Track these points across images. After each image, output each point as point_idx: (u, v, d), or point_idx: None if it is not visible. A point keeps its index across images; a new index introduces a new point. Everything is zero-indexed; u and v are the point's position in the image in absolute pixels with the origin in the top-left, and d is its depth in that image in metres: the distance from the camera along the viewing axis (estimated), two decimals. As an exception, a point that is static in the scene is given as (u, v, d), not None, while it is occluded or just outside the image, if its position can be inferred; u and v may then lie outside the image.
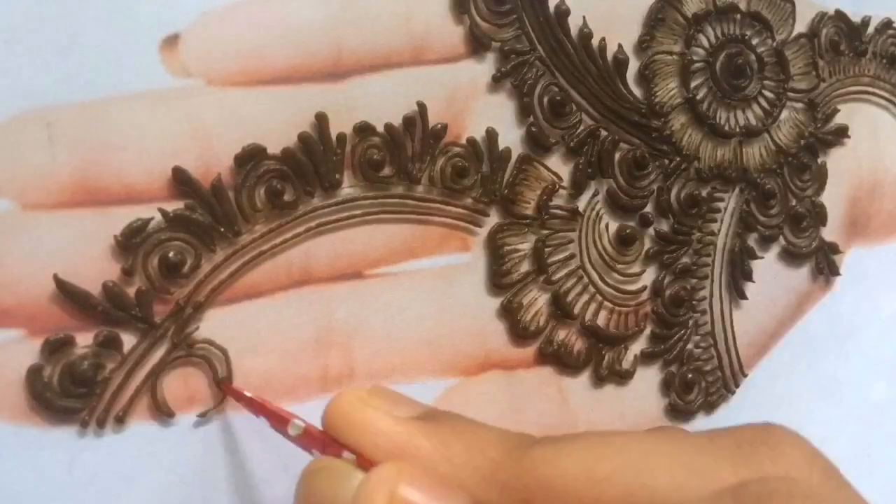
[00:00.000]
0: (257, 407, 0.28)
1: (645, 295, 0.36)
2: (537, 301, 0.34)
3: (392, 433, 0.23)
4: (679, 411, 0.37)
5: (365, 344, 0.31)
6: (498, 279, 0.33)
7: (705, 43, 0.37)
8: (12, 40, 0.26)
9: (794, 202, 0.39)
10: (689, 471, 0.19)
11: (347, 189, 0.30)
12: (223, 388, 0.28)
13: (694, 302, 0.37)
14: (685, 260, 0.37)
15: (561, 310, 0.34)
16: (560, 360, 0.34)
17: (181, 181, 0.28)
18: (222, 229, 0.28)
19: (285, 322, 0.29)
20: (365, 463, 0.23)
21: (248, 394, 0.28)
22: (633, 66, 0.35)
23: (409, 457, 0.22)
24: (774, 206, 0.39)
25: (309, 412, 0.27)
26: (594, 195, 0.35)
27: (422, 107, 0.31)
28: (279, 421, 0.27)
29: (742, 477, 0.19)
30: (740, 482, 0.19)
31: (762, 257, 0.39)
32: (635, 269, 0.36)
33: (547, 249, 0.34)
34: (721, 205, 0.37)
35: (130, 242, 0.27)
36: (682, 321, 0.37)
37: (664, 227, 0.36)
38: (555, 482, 0.20)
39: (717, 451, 0.20)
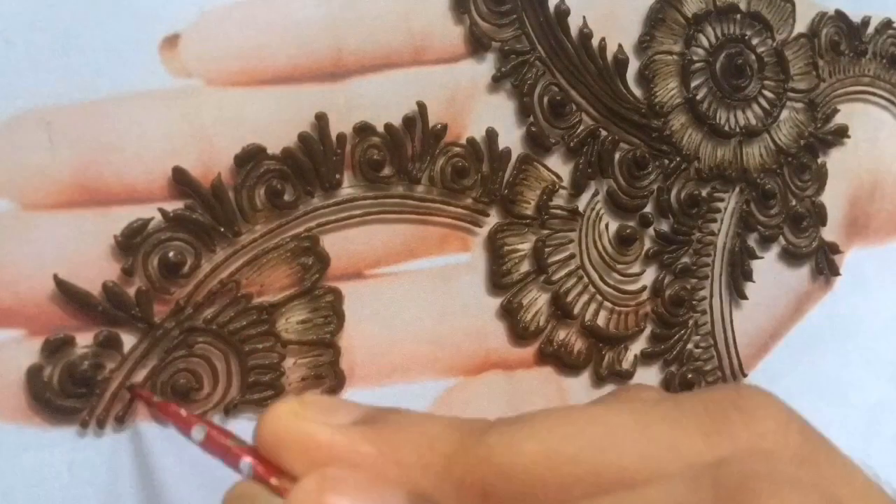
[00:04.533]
0: (162, 410, 0.26)
1: (645, 295, 0.36)
2: (537, 301, 0.34)
3: (332, 445, 0.20)
4: (679, 411, 0.36)
5: (365, 344, 0.31)
6: (498, 279, 0.33)
7: (705, 43, 0.37)
8: (12, 40, 0.26)
9: (794, 202, 0.39)
10: (658, 444, 0.18)
11: (347, 189, 0.30)
12: (133, 393, 0.27)
13: (694, 302, 0.37)
14: (685, 260, 0.37)
15: (561, 310, 0.34)
16: (560, 360, 0.34)
17: (181, 181, 0.28)
18: (222, 229, 0.28)
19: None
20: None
21: (156, 398, 0.27)
22: (633, 66, 0.35)
23: (354, 466, 0.20)
24: (774, 206, 0.39)
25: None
26: (594, 195, 0.35)
27: (422, 107, 0.31)
28: (182, 424, 0.25)
29: (716, 449, 0.18)
30: (718, 459, 0.17)
31: (762, 257, 0.39)
32: (635, 269, 0.36)
33: (547, 249, 0.34)
34: (721, 205, 0.37)
35: (130, 242, 0.27)
36: (682, 321, 0.37)
37: (664, 227, 0.36)
38: (514, 469, 0.18)
39: (687, 420, 0.18)
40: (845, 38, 0.41)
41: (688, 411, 0.19)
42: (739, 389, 0.19)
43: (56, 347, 0.26)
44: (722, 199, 0.38)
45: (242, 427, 0.29)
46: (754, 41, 0.38)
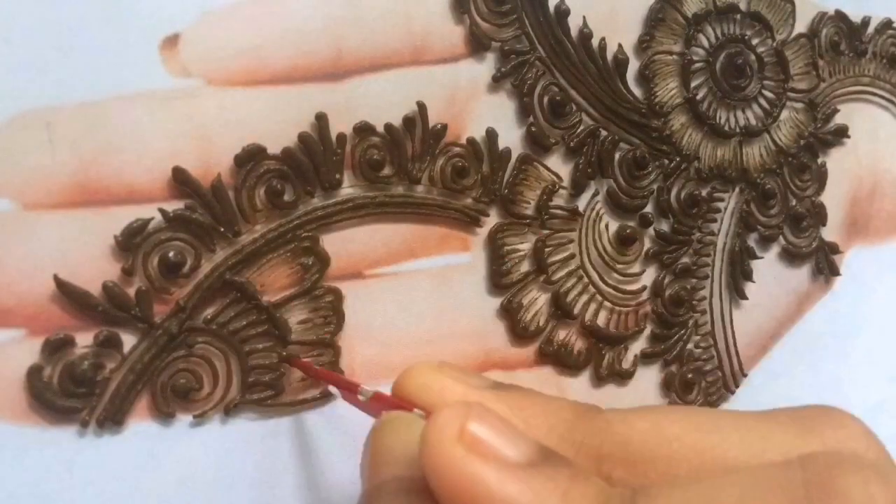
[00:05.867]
0: (325, 377, 0.29)
1: (645, 295, 0.36)
2: (537, 301, 0.34)
3: (467, 397, 0.23)
4: (679, 411, 0.36)
5: (365, 344, 0.31)
6: (498, 279, 0.33)
7: (705, 43, 0.37)
8: (12, 40, 0.26)
9: (794, 202, 0.39)
10: (756, 435, 0.20)
11: (347, 189, 0.30)
12: (292, 363, 0.29)
13: (694, 302, 0.37)
14: (685, 260, 0.37)
15: (561, 310, 0.34)
16: (560, 360, 0.34)
17: (181, 181, 0.28)
18: (222, 229, 0.28)
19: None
20: None
21: (317, 366, 0.29)
22: (633, 66, 0.35)
23: None
24: (774, 206, 0.39)
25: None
26: (594, 195, 0.35)
27: (422, 107, 0.31)
28: (348, 389, 0.27)
29: (807, 445, 0.20)
30: (809, 452, 0.19)
31: (762, 257, 0.39)
32: (635, 269, 0.36)
33: (547, 249, 0.34)
34: (721, 205, 0.38)
35: (130, 242, 0.27)
36: (682, 321, 0.37)
37: (664, 227, 0.36)
38: (629, 439, 0.21)
39: (780, 421, 0.21)
40: (845, 38, 0.41)
41: (780, 416, 0.21)
42: (827, 408, 0.22)
43: (56, 347, 0.26)
44: (722, 199, 0.38)
45: (243, 428, 0.29)
46: (754, 41, 0.38)
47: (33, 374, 0.26)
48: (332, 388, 0.29)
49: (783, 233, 0.39)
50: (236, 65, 0.28)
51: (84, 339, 0.27)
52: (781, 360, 0.39)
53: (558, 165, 0.34)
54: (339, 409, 0.30)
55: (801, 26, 0.39)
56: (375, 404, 0.25)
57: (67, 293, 0.26)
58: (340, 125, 0.30)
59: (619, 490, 0.19)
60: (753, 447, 0.20)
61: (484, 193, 0.32)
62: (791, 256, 0.39)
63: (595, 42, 0.34)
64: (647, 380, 0.36)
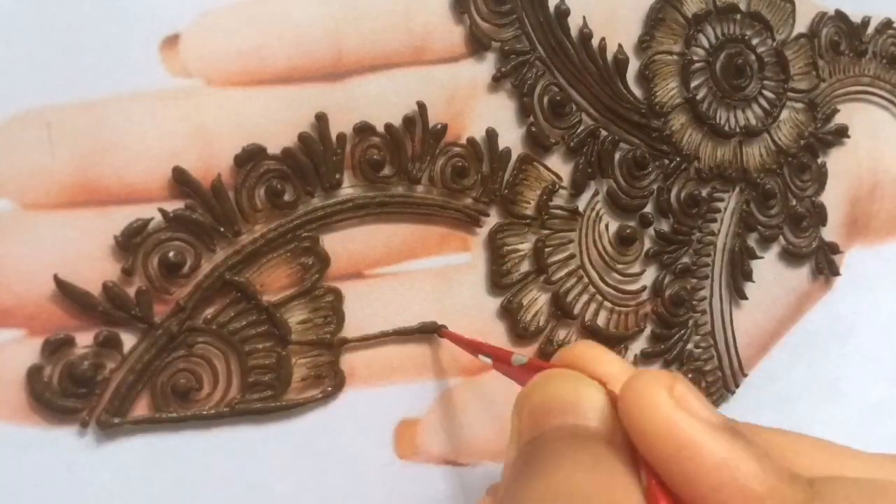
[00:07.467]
0: (476, 346, 0.30)
1: (645, 295, 0.36)
2: (537, 301, 0.34)
3: (626, 374, 0.23)
4: (679, 411, 0.36)
5: (365, 344, 0.31)
6: (498, 279, 0.33)
7: (705, 43, 0.37)
8: (12, 40, 0.26)
9: (794, 202, 0.39)
10: (873, 465, 0.22)
11: (347, 189, 0.30)
12: (441, 334, 0.31)
13: (694, 302, 0.37)
14: (685, 260, 0.37)
15: (561, 310, 0.34)
16: (560, 360, 0.34)
17: (181, 181, 0.28)
18: (222, 229, 0.28)
19: (285, 322, 0.29)
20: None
21: (466, 338, 0.31)
22: (633, 66, 0.35)
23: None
24: (774, 206, 0.39)
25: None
26: (594, 195, 0.35)
27: (422, 107, 0.31)
28: (500, 356, 0.28)
29: None
30: None
31: (762, 257, 0.39)
32: (635, 269, 0.36)
33: (547, 249, 0.34)
34: (721, 205, 0.37)
35: (130, 242, 0.27)
36: (682, 321, 0.37)
37: (664, 227, 0.36)
38: (771, 445, 0.21)
39: (893, 459, 0.22)
40: (845, 38, 0.41)
41: (890, 456, 0.23)
42: None
43: (56, 347, 0.26)
44: (722, 199, 0.38)
45: (242, 428, 0.29)
46: (754, 41, 0.38)
47: (33, 374, 0.26)
48: (483, 357, 0.29)
49: (783, 233, 0.39)
50: (236, 65, 0.28)
51: (84, 339, 0.27)
52: (781, 360, 0.39)
53: (558, 165, 0.34)
54: (338, 409, 0.30)
55: (801, 26, 0.39)
56: (529, 371, 0.26)
57: (67, 293, 0.26)
58: (340, 125, 0.30)
59: (798, 473, 0.20)
60: (873, 473, 0.21)
61: (484, 193, 0.32)
62: (791, 256, 0.39)
63: (595, 42, 0.34)
64: (647, 380, 0.36)
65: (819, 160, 0.40)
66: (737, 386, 0.38)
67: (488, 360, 0.29)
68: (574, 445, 0.21)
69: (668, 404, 0.20)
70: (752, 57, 0.38)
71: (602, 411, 0.22)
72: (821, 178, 0.40)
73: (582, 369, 0.24)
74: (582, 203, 0.34)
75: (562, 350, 0.26)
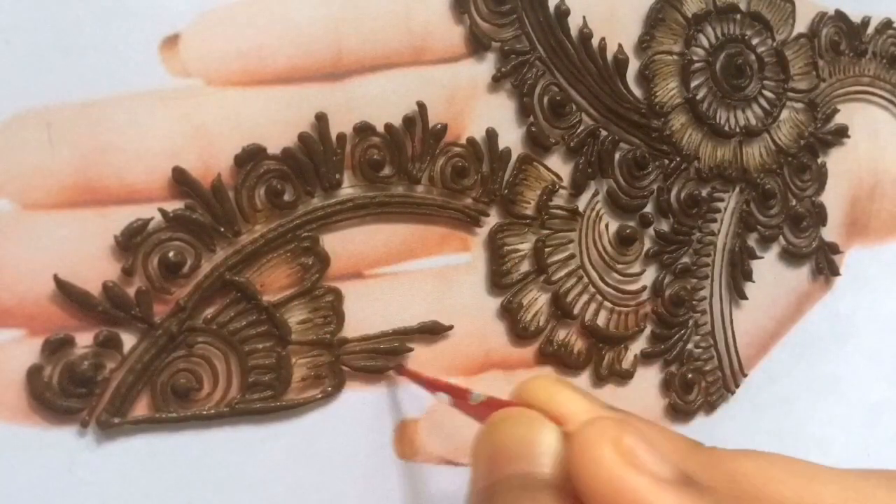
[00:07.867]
0: (434, 385, 0.29)
1: (645, 295, 0.36)
2: (537, 301, 0.34)
3: (590, 414, 0.23)
4: (679, 411, 0.37)
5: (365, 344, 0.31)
6: (498, 279, 0.33)
7: (705, 43, 0.37)
8: (12, 40, 0.26)
9: (794, 202, 0.39)
10: (850, 488, 0.21)
11: (347, 189, 0.30)
12: (400, 372, 0.30)
13: (694, 302, 0.37)
14: (685, 260, 0.37)
15: (561, 310, 0.34)
16: (560, 360, 0.34)
17: (181, 181, 0.28)
18: (222, 229, 0.28)
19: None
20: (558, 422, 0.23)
21: (425, 375, 0.30)
22: (633, 66, 0.35)
23: None
24: (774, 206, 0.39)
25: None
26: (594, 195, 0.35)
27: (422, 107, 0.31)
28: (458, 394, 0.28)
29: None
30: None
31: (762, 257, 0.39)
32: (635, 269, 0.36)
33: (547, 249, 0.34)
34: (721, 205, 0.37)
35: (130, 242, 0.27)
36: (682, 321, 0.37)
37: (664, 227, 0.36)
38: (737, 476, 0.21)
39: (873, 480, 0.22)
40: (845, 38, 0.41)
41: (872, 476, 0.22)
42: None
43: (56, 347, 0.26)
44: (722, 199, 0.38)
45: (242, 428, 0.29)
46: (754, 41, 0.38)
47: (33, 374, 0.26)
48: (440, 395, 0.29)
49: (783, 233, 0.39)
50: (236, 65, 0.28)
51: (84, 339, 0.27)
52: (781, 360, 0.39)
53: (558, 165, 0.34)
54: (338, 409, 0.30)
55: (801, 26, 0.39)
56: (487, 408, 0.25)
57: (67, 293, 0.26)
58: (340, 125, 0.30)
59: None
60: (849, 499, 0.21)
61: (484, 193, 0.32)
62: (791, 256, 0.39)
63: (595, 42, 0.34)
64: (647, 380, 0.36)
65: (819, 160, 0.40)
66: (737, 386, 0.38)
67: (446, 398, 0.29)
68: (522, 498, 0.22)
69: (613, 460, 0.20)
70: (752, 57, 0.38)
71: (555, 457, 0.22)
72: (821, 178, 0.40)
73: (539, 408, 0.24)
74: (582, 203, 0.34)
75: (521, 384, 0.25)
